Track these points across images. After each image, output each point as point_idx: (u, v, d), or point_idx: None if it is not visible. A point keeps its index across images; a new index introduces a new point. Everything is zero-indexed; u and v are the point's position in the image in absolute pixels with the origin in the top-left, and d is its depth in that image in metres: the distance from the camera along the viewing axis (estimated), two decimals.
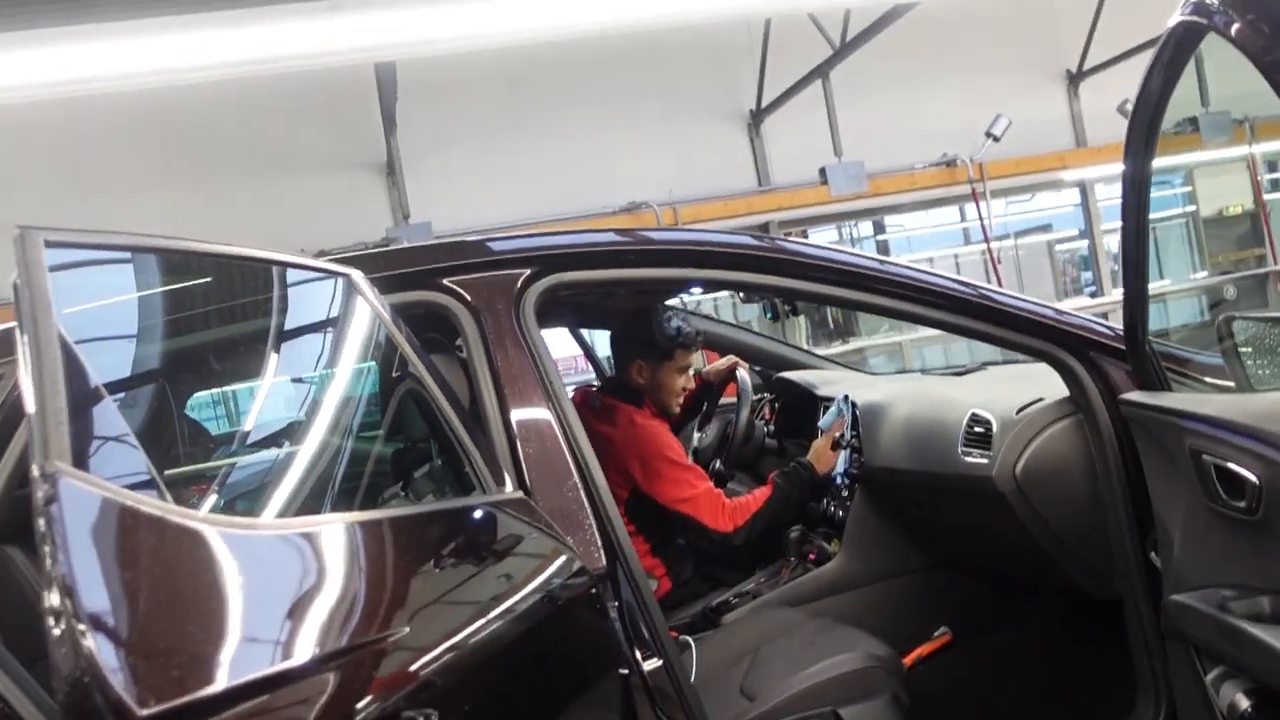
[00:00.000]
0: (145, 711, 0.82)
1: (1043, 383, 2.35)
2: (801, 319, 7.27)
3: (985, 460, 2.31)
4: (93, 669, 0.83)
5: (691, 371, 3.14)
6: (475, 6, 5.00)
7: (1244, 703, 1.68)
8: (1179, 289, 8.99)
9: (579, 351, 4.13)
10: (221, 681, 0.92)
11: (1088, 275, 9.85)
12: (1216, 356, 2.20)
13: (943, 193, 8.33)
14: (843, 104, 7.46)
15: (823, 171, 7.31)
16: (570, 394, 2.23)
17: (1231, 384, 1.94)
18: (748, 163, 8.29)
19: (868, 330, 8.81)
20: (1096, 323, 2.21)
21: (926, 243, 9.78)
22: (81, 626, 0.84)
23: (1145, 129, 1.66)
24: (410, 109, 7.04)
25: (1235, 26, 1.15)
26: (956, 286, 2.19)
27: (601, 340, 3.97)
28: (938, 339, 8.43)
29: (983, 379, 2.90)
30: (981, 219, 8.02)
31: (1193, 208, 9.81)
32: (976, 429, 2.39)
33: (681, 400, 3.16)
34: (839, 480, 3.06)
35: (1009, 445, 2.26)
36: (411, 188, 7.53)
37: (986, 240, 7.99)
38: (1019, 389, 2.43)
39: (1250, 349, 1.89)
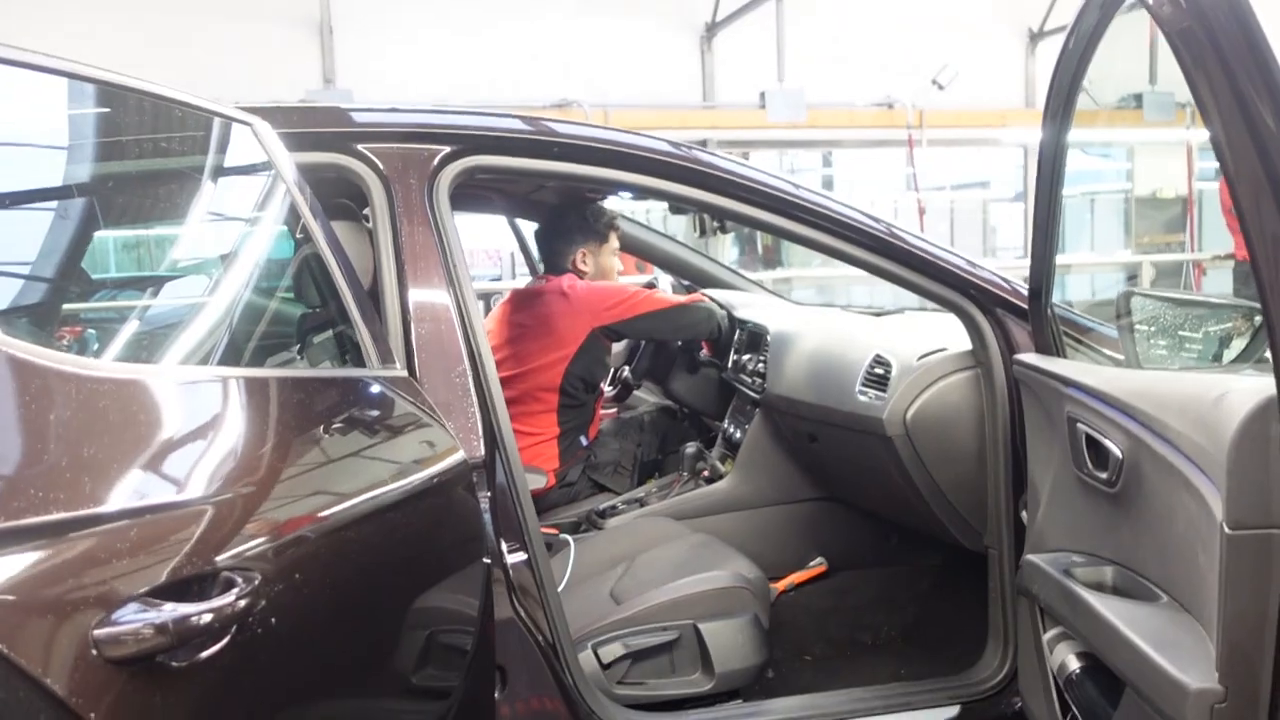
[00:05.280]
0: None
1: (953, 334, 2.37)
2: (728, 241, 7.19)
3: (879, 402, 2.33)
4: None
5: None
6: None
7: (1073, 664, 1.74)
8: (1102, 263, 9.04)
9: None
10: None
11: None
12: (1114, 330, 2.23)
13: (882, 134, 8.21)
14: (794, 29, 7.26)
15: (762, 95, 7.17)
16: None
17: (1122, 358, 1.97)
18: (695, 76, 8.06)
19: (799, 262, 8.79)
20: (1008, 281, 2.22)
21: (870, 184, 9.72)
22: None
23: (1063, 97, 1.64)
24: None
25: None
26: (870, 222, 2.18)
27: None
28: (864, 278, 8.43)
29: (898, 322, 2.91)
30: (914, 167, 7.97)
31: (1130, 185, 9.83)
32: (877, 370, 2.41)
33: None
34: None
35: (904, 390, 2.28)
36: (341, 52, 7.18)
37: (916, 189, 7.97)
38: (927, 336, 2.44)
39: (1145, 327, 1.91)
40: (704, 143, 7.71)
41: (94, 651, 0.92)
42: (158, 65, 6.34)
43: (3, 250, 1.27)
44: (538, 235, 3.30)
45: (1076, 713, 1.72)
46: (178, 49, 6.73)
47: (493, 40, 7.47)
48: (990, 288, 2.19)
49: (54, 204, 1.40)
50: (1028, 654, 1.99)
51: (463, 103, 6.88)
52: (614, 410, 3.61)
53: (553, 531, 2.72)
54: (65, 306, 1.37)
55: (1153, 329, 1.89)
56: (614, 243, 3.20)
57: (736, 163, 2.25)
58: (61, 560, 0.93)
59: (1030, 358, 2.02)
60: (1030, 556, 1.85)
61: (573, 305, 3.02)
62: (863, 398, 2.40)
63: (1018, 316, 2.17)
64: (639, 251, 3.64)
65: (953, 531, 2.36)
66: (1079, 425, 1.73)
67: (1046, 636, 1.81)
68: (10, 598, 0.87)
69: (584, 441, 3.15)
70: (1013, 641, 2.17)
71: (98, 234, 1.50)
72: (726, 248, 7.33)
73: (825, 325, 2.94)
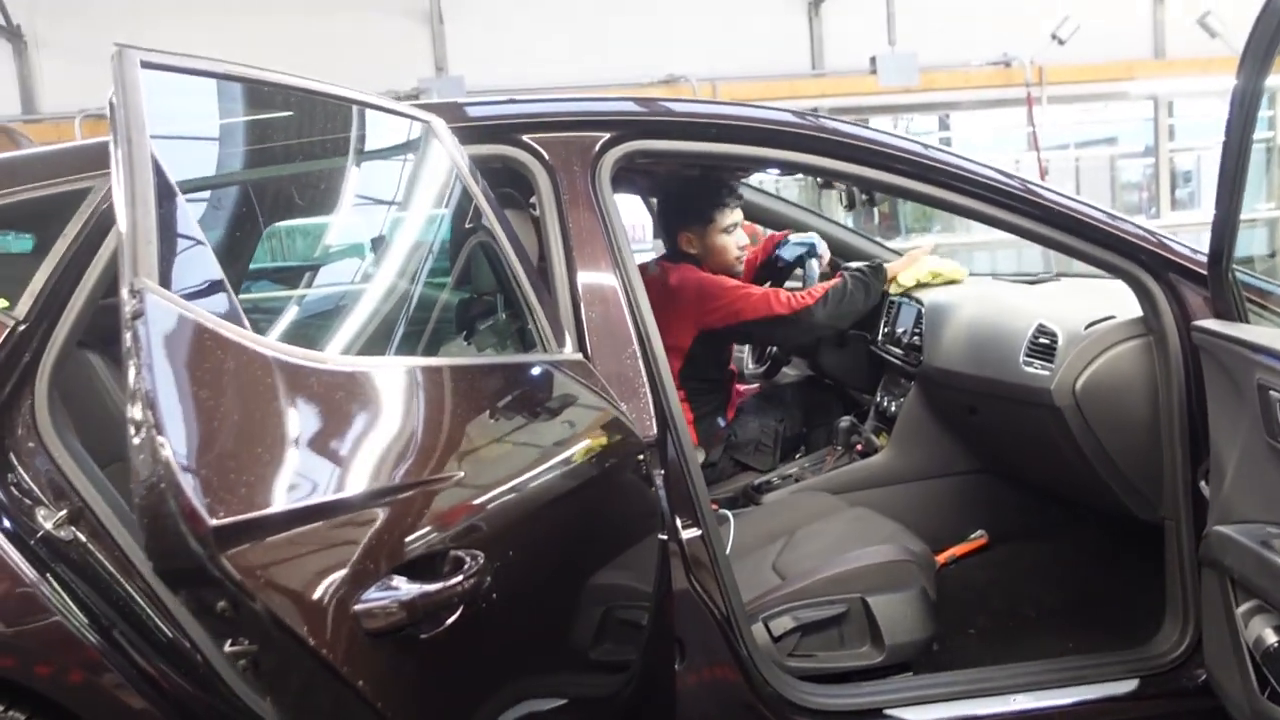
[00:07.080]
0: (215, 521, 0.87)
1: (1117, 300, 2.31)
2: (840, 210, 7.04)
3: (1046, 373, 2.29)
4: (169, 477, 0.87)
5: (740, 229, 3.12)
6: None
7: (1272, 637, 1.69)
8: (1246, 219, 8.51)
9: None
10: (285, 503, 0.97)
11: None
12: None
13: (999, 94, 7.88)
14: None
15: (873, 60, 7.00)
16: None
17: None
18: (804, 43, 7.87)
19: (919, 229, 8.56)
20: (1178, 243, 2.15)
21: (989, 146, 9.39)
22: (160, 437, 0.88)
23: (1267, 40, 1.57)
24: None
25: None
26: (1036, 190, 2.13)
27: None
28: (986, 244, 8.13)
29: (1055, 289, 2.85)
30: (1033, 126, 7.63)
31: (1271, 134, 9.28)
32: (1041, 340, 2.36)
33: (742, 259, 3.15)
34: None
35: (1072, 360, 2.24)
36: (452, 39, 7.24)
37: (1036, 149, 7.63)
38: (1091, 303, 2.39)
39: None
40: (814, 111, 7.55)
41: (357, 625, 0.99)
42: (276, 62, 6.54)
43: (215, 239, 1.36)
44: (656, 215, 3.26)
45: (1276, 686, 1.68)
46: (295, 45, 6.95)
47: (600, 19, 7.48)
48: (1162, 252, 2.12)
49: (253, 200, 1.49)
50: (1214, 627, 1.93)
51: (571, 82, 6.92)
52: (758, 385, 3.62)
53: (712, 507, 2.75)
54: (299, 294, 1.46)
55: None
56: (723, 221, 3.05)
57: (888, 134, 2.23)
58: (326, 541, 1.00)
59: (1212, 324, 1.96)
60: (1220, 528, 1.80)
61: (678, 305, 2.93)
62: (1028, 368, 2.36)
63: (1190, 280, 2.10)
64: (780, 226, 3.62)
65: (1125, 502, 2.31)
66: (1272, 393, 1.68)
67: (1240, 610, 1.76)
68: (292, 576, 0.94)
69: (722, 423, 3.16)
70: (1194, 614, 2.12)
71: (286, 225, 1.59)
72: (839, 217, 7.22)
73: (981, 295, 2.89)
